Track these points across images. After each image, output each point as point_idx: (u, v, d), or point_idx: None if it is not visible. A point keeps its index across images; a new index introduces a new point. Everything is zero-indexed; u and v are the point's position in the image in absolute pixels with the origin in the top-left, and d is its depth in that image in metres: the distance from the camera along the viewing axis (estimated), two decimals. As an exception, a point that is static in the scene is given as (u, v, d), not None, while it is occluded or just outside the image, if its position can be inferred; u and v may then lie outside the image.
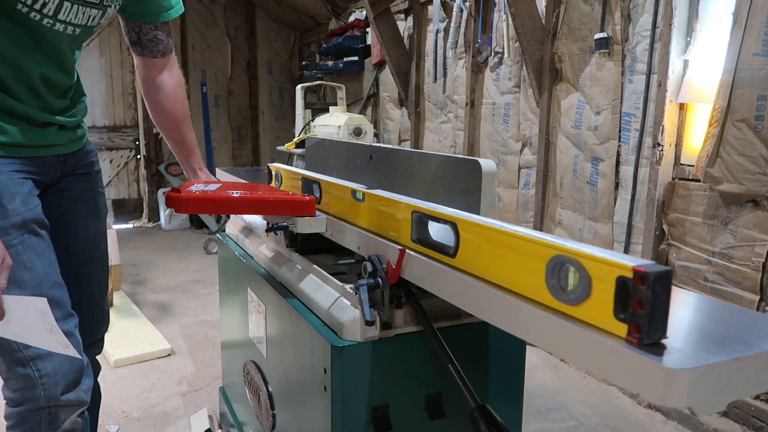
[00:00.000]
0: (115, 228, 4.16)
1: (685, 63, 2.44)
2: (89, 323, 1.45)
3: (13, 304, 1.02)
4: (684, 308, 0.72)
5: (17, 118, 1.22)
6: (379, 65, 4.89)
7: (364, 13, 4.90)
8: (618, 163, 2.76)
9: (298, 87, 4.59)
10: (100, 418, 2.15)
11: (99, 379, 1.60)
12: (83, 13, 1.23)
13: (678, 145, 2.51)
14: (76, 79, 1.40)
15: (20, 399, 1.21)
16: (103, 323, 1.55)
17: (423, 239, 0.97)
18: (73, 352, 1.12)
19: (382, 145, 1.71)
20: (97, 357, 1.58)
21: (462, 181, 1.08)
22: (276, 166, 1.68)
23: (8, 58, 1.17)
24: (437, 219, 0.93)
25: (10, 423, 1.23)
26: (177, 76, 1.56)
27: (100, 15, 1.28)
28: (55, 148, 1.34)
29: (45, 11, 1.15)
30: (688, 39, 2.41)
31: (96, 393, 1.56)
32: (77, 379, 1.25)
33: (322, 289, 1.18)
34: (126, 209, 6.47)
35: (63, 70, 1.30)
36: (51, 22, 1.18)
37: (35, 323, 1.05)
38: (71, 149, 1.39)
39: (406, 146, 4.59)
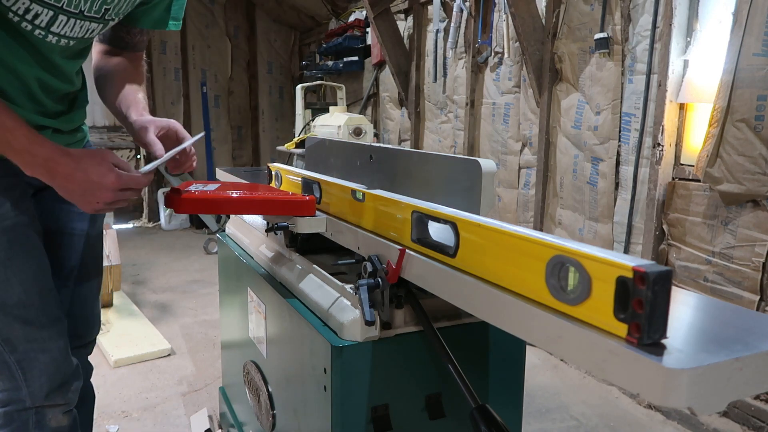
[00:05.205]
0: (115, 228, 4.16)
1: (685, 63, 2.44)
2: (80, 326, 1.45)
3: None
4: (684, 308, 0.72)
5: None
6: (379, 65, 4.89)
7: (364, 13, 4.90)
8: (618, 163, 2.76)
9: (298, 87, 4.59)
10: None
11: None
12: (80, 27, 1.19)
13: (678, 145, 2.51)
14: (81, 86, 1.37)
15: (6, 399, 1.22)
16: (94, 326, 1.54)
17: (423, 239, 0.96)
18: None
19: (382, 145, 1.71)
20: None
21: (462, 181, 1.08)
22: (276, 166, 1.68)
23: (3, 62, 1.14)
24: (437, 219, 0.93)
25: None
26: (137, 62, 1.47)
27: (101, 27, 1.24)
28: None
29: (37, 22, 1.12)
30: (688, 39, 2.41)
31: (89, 394, 1.55)
32: (64, 380, 1.26)
33: (322, 289, 1.18)
34: (126, 209, 6.47)
35: (59, 77, 1.26)
36: (43, 33, 1.14)
37: None
38: None
39: (406, 146, 4.59)
